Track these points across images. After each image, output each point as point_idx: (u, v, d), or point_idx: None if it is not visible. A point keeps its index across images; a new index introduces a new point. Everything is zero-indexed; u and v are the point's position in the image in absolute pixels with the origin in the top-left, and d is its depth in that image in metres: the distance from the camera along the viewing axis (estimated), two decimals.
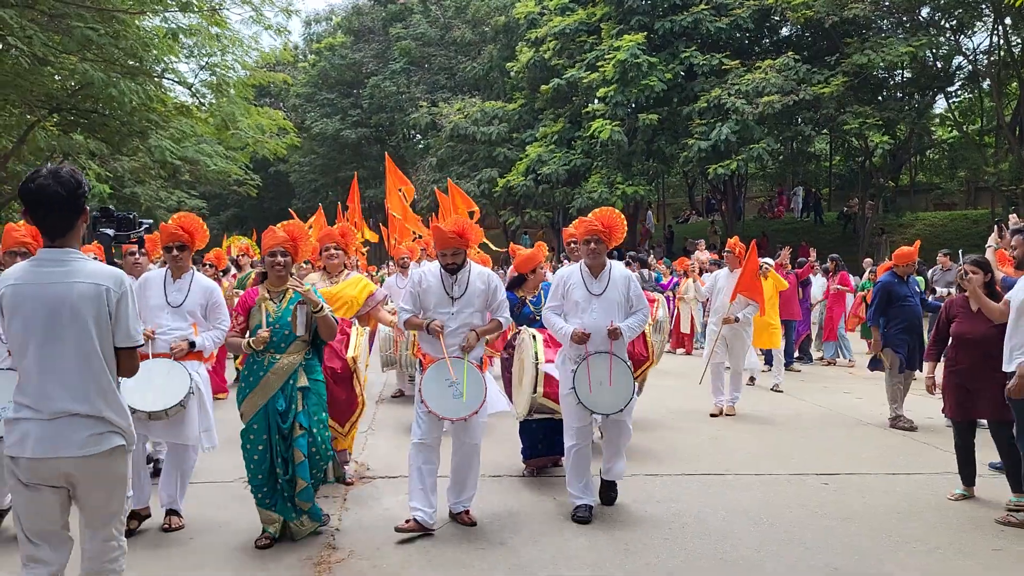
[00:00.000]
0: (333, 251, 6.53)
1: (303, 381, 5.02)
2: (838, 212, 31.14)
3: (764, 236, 27.66)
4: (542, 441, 6.64)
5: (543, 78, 28.39)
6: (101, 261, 3.79)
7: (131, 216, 5.62)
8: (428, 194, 28.54)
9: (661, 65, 24.36)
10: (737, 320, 9.13)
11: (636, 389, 5.37)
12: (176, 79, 20.77)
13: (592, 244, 5.54)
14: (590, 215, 5.64)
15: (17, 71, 16.57)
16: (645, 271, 14.84)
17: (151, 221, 5.92)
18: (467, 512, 5.51)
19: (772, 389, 10.93)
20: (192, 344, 5.37)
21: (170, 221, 5.51)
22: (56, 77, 18.07)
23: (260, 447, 4.98)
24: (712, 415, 9.23)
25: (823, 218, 31.92)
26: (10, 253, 5.29)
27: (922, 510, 5.81)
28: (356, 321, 6.63)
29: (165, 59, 19.23)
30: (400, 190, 14.19)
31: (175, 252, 5.42)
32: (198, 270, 5.74)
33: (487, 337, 5.60)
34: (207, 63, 21.55)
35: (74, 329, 3.07)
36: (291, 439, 4.95)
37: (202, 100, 21.47)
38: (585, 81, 25.78)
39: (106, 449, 3.08)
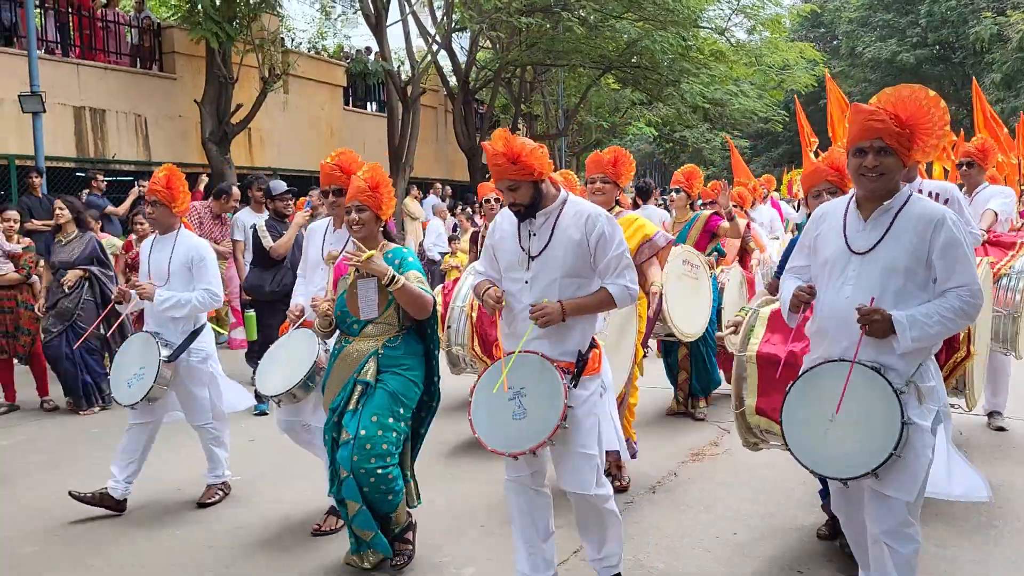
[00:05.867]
0: (600, 184, 4.96)
1: (369, 374, 3.70)
2: None
3: None
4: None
5: None
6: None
7: None
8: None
9: None
10: None
11: (903, 438, 2.75)
12: (711, 27, 22.15)
13: (869, 157, 2.89)
14: (874, 99, 3.00)
15: (578, 39, 19.56)
16: None
17: None
18: None
19: None
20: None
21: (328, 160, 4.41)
22: (611, 40, 20.68)
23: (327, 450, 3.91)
24: None
25: None
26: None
27: None
28: None
29: (696, 9, 20.57)
30: None
31: (332, 198, 4.41)
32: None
33: (599, 321, 3.60)
34: (739, 5, 22.44)
35: None
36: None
37: (734, 44, 22.46)
38: None
39: None
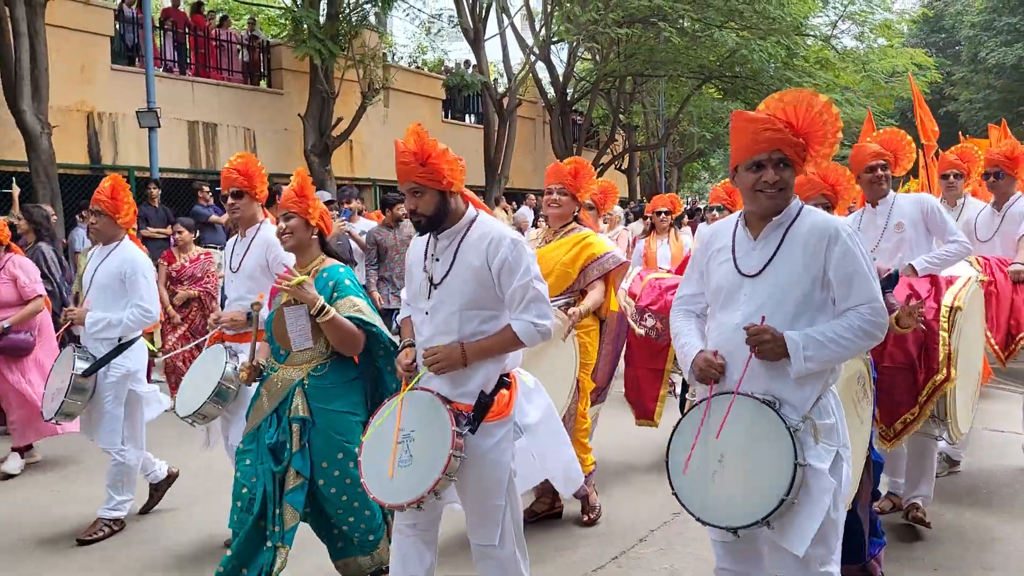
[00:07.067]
0: (557, 195, 4.51)
1: (301, 409, 3.37)
2: None
3: None
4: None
5: None
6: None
7: None
8: None
9: None
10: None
11: (795, 482, 2.42)
12: (814, 34, 21.62)
13: (769, 171, 2.60)
14: (761, 105, 2.71)
15: (677, 49, 19.44)
16: None
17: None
18: None
19: None
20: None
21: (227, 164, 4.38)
22: (711, 50, 20.44)
23: (244, 487, 3.42)
24: None
25: None
26: None
27: None
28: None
29: (799, 16, 20.14)
30: None
31: (231, 200, 4.30)
32: None
33: (493, 362, 2.98)
34: (844, 12, 21.84)
35: None
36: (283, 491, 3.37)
37: (838, 51, 21.86)
38: None
39: None
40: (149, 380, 4.90)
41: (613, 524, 4.58)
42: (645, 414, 5.23)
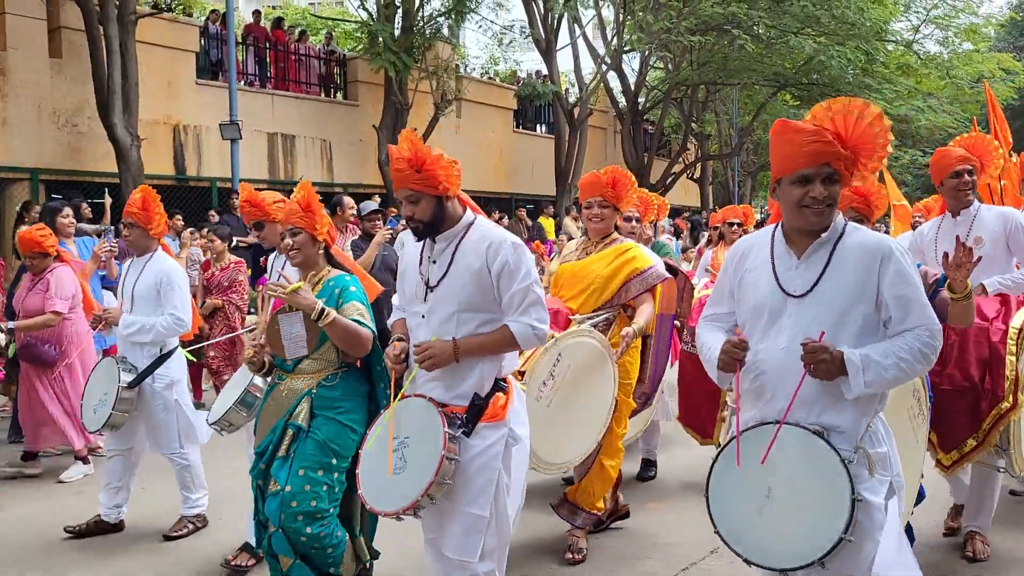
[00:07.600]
0: (599, 209, 4.31)
1: (301, 417, 3.32)
2: None
3: None
4: None
5: None
6: None
7: None
8: None
9: None
10: None
11: (853, 518, 2.27)
12: (895, 39, 21.04)
13: (817, 186, 2.42)
14: (808, 115, 2.55)
15: (752, 56, 19.17)
16: None
17: None
18: None
19: None
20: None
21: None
22: (786, 57, 20.09)
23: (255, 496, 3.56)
24: None
25: None
26: None
27: None
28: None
29: (879, 21, 19.63)
30: None
31: (254, 231, 4.43)
32: None
33: (490, 363, 2.93)
34: (928, 16, 21.20)
35: None
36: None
37: (920, 56, 21.23)
38: None
39: None
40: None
41: (684, 535, 4.54)
42: (707, 436, 5.26)
